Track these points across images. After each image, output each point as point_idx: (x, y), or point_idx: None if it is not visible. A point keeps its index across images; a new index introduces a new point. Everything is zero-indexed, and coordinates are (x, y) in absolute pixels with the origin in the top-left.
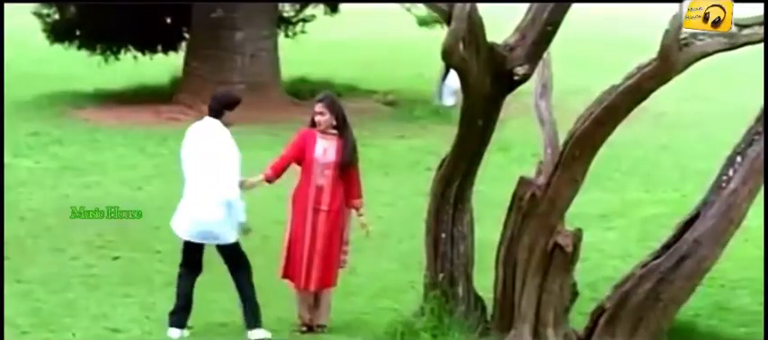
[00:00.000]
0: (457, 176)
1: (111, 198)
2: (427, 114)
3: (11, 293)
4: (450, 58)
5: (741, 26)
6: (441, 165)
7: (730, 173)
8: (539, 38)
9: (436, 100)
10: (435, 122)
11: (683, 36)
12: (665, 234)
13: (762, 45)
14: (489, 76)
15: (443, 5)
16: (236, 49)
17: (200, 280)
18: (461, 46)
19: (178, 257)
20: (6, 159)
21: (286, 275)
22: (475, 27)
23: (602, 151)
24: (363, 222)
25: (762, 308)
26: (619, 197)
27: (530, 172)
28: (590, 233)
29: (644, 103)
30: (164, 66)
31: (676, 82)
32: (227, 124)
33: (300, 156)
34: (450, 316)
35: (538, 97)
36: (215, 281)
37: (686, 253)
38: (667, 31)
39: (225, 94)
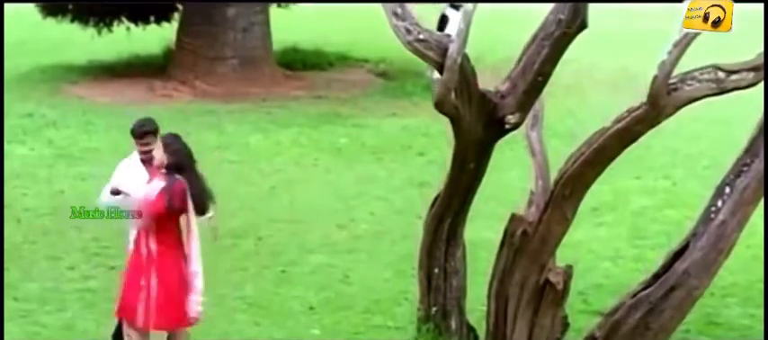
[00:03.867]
0: (449, 214)
1: None
2: (419, 90)
3: (9, 314)
4: (441, 107)
5: (729, 72)
6: (433, 203)
7: (719, 204)
8: (529, 87)
9: (428, 73)
10: (427, 98)
11: (671, 81)
12: (656, 229)
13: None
14: (481, 123)
15: (436, 56)
16: (228, 24)
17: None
18: (453, 95)
19: None
20: None
21: None
22: (466, 76)
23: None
24: None
25: (751, 322)
26: (610, 187)
27: (521, 155)
28: (581, 230)
29: (634, 73)
30: (157, 36)
31: None
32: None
33: None
34: None
35: (529, 128)
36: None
37: (676, 283)
38: (656, 78)
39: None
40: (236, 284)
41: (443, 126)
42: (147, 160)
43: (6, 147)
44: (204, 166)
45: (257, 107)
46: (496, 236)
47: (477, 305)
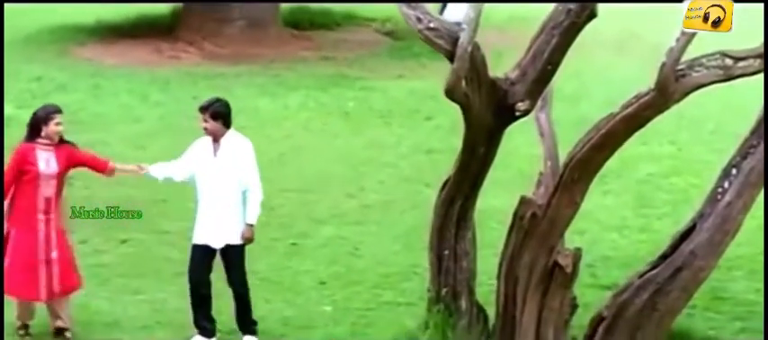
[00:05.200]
0: (459, 197)
1: (115, 160)
2: (426, 51)
3: None
4: (452, 94)
5: (737, 59)
6: (443, 186)
7: (725, 185)
8: (539, 76)
9: None
10: (434, 59)
11: (679, 67)
12: (662, 198)
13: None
14: (491, 110)
15: (447, 45)
16: None
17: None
18: (464, 83)
19: (185, 239)
20: (10, 111)
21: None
22: (476, 64)
23: (602, 96)
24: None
25: (757, 297)
26: (616, 153)
27: (526, 121)
28: (588, 199)
29: (638, 33)
30: None
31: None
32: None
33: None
34: (454, 330)
35: (538, 110)
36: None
37: (682, 264)
38: (664, 64)
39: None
40: (247, 258)
41: None
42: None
43: (16, 112)
44: None
45: (265, 69)
46: (503, 203)
47: (485, 278)
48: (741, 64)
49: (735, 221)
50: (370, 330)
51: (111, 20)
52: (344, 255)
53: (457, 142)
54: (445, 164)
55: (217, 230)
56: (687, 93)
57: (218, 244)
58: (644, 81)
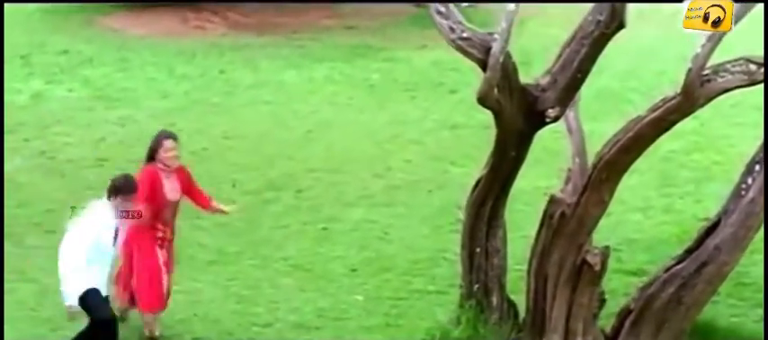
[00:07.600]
0: (490, 197)
1: (145, 138)
2: None
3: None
4: (484, 102)
5: (760, 64)
6: (475, 187)
7: (749, 181)
8: (569, 84)
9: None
10: None
11: (705, 72)
12: (684, 176)
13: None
14: (522, 115)
15: (479, 55)
16: None
17: None
18: (496, 90)
19: (218, 225)
20: (40, 86)
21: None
22: (508, 73)
23: (622, 66)
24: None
25: None
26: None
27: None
28: None
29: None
30: None
31: None
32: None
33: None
34: (485, 324)
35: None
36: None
37: (707, 259)
38: (690, 70)
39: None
40: (278, 244)
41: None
42: None
43: (45, 87)
44: (241, 107)
45: (290, 40)
46: (529, 184)
47: (513, 263)
48: (764, 69)
49: (758, 217)
50: (402, 321)
51: None
52: (374, 240)
53: (481, 117)
54: (470, 140)
55: None
56: (711, 98)
57: None
58: (663, 52)
